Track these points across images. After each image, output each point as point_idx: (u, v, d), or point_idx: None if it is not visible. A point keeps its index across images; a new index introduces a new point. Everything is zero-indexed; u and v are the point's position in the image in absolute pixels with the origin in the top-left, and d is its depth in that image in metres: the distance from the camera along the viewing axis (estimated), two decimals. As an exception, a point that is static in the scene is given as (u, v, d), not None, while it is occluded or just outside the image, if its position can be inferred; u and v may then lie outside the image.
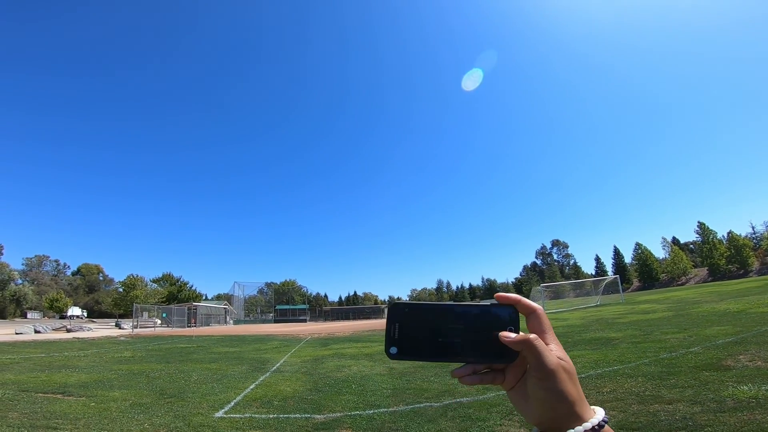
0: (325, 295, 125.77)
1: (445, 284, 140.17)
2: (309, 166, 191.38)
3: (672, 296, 29.79)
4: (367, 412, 4.92)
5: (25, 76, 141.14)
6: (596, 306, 29.50)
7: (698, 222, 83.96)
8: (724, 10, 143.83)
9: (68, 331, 27.33)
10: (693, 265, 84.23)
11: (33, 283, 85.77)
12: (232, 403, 5.44)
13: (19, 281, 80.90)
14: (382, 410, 4.97)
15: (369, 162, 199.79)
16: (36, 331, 24.83)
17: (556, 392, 0.46)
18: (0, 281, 71.57)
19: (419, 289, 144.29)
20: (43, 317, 71.18)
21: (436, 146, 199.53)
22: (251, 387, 6.67)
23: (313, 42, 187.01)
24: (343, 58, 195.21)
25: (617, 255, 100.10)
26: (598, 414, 0.48)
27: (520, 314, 0.53)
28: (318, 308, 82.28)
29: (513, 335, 0.50)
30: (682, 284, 78.05)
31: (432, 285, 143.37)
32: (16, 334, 23.23)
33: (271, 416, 4.80)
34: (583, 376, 6.19)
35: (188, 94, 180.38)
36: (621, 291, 34.72)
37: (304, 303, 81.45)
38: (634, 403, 4.62)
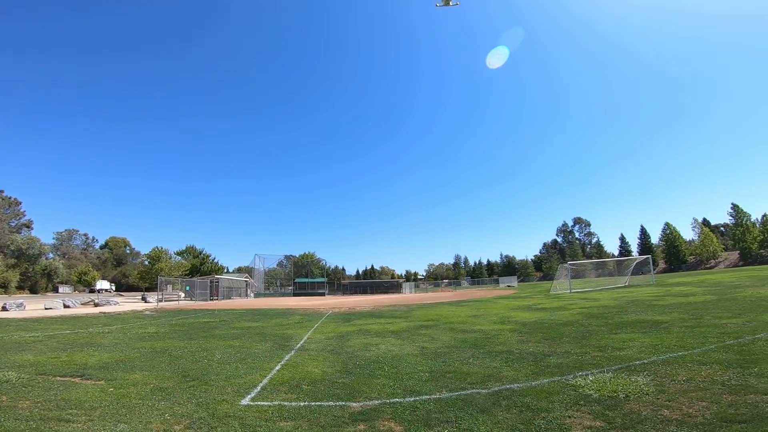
0: (343, 269, 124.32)
1: (462, 260, 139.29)
2: (330, 147, 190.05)
3: (706, 279, 28.45)
4: (407, 399, 4.40)
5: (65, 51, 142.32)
6: (625, 287, 28.45)
7: (732, 204, 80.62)
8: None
9: (96, 305, 27.95)
10: (723, 248, 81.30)
11: (63, 257, 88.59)
12: (259, 388, 5.02)
13: (50, 255, 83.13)
14: (424, 397, 4.44)
15: (394, 143, 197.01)
16: (65, 306, 25.27)
17: None
18: (31, 255, 72.39)
19: (436, 263, 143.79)
20: (74, 291, 73.73)
21: (444, 118, 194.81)
22: (277, 368, 6.25)
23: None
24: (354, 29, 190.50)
25: (644, 235, 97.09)
26: None
27: None
28: (336, 282, 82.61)
29: None
30: (711, 267, 75.53)
31: (450, 260, 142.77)
32: (45, 309, 23.70)
33: (302, 404, 4.33)
34: (645, 361, 5.54)
35: (214, 64, 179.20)
36: (652, 272, 33.43)
37: (322, 276, 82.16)
38: (723, 393, 3.98)
